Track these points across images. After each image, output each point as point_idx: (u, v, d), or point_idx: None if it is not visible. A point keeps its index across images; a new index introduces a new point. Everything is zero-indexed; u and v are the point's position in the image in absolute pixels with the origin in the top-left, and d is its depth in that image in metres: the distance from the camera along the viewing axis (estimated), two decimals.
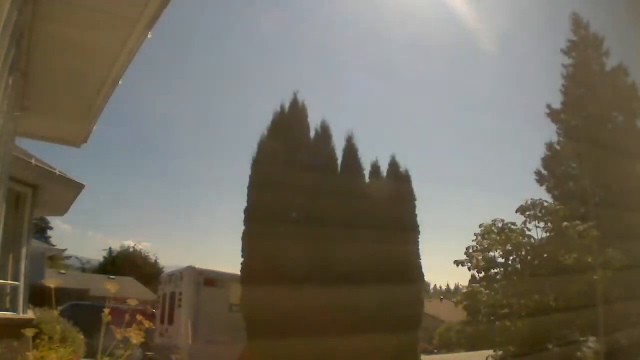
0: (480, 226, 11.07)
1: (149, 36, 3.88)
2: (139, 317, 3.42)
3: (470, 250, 10.90)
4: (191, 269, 12.09)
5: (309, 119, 11.95)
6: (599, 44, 21.11)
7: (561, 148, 21.56)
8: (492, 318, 10.48)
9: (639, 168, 19.08)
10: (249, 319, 10.85)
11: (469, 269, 10.89)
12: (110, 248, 43.28)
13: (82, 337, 7.84)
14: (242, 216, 11.81)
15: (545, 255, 10.24)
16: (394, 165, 13.85)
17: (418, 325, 13.02)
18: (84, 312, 13.14)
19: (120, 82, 4.62)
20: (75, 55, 4.21)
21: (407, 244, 13.10)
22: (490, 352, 10.81)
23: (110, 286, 3.68)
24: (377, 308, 11.41)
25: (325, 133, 11.86)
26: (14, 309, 6.55)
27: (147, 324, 3.39)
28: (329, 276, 10.61)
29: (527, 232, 10.82)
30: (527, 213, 10.74)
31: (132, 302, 3.66)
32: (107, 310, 3.26)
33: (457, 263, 10.88)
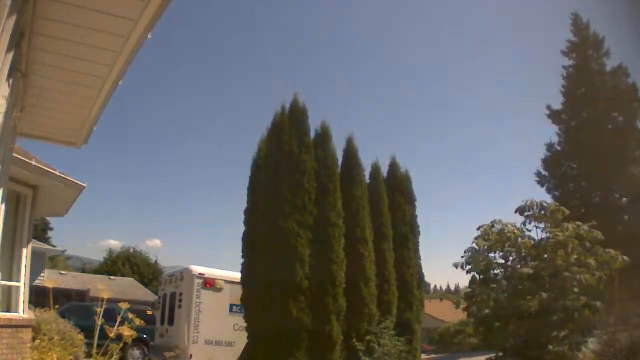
0: (479, 228, 11.03)
1: (149, 36, 3.88)
2: (131, 316, 3.47)
3: (468, 254, 10.84)
4: (191, 270, 12.09)
5: (309, 120, 11.93)
6: (599, 45, 21.14)
7: (561, 149, 21.60)
8: (492, 319, 10.45)
9: (638, 169, 19.08)
10: (250, 320, 10.85)
11: (467, 272, 10.83)
12: (110, 249, 43.33)
13: (81, 337, 7.84)
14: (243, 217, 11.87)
15: (545, 256, 10.21)
16: (394, 165, 13.87)
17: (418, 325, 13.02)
18: (83, 312, 13.18)
19: (120, 83, 4.62)
20: (75, 55, 4.21)
21: (408, 244, 13.10)
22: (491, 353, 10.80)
23: (104, 289, 3.74)
24: (377, 308, 11.41)
25: (325, 133, 11.87)
26: (15, 309, 6.55)
27: (137, 322, 3.44)
28: (328, 276, 10.59)
29: (528, 233, 10.79)
30: (526, 214, 10.70)
31: (124, 306, 3.74)
32: (99, 310, 3.29)
33: (456, 266, 10.82)
